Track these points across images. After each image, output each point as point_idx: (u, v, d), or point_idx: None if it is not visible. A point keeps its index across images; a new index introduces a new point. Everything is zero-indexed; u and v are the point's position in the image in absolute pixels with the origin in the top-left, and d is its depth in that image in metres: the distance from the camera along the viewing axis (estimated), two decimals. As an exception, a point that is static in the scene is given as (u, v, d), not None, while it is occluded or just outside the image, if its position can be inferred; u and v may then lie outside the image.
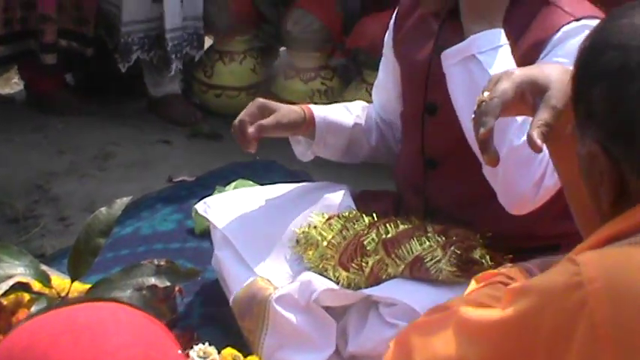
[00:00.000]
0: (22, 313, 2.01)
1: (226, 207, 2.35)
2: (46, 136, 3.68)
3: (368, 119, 2.41)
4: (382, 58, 2.41)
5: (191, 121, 3.78)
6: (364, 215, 2.24)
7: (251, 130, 2.20)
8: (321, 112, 2.33)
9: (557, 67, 1.54)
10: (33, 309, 1.91)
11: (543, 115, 1.46)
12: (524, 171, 1.91)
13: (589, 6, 2.07)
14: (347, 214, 2.26)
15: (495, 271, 1.54)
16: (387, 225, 2.16)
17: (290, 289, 2.15)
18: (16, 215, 3.13)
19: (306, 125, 2.30)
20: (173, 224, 2.96)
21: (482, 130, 1.48)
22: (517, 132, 1.88)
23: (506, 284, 1.44)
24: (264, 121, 2.21)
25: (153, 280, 2.05)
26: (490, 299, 1.39)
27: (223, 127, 3.73)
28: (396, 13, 2.31)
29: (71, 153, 3.53)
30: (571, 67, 1.37)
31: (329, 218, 2.25)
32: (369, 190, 2.47)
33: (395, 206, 2.35)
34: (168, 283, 2.07)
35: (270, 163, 3.31)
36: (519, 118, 1.83)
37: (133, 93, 3.96)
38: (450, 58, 2.00)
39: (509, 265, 1.59)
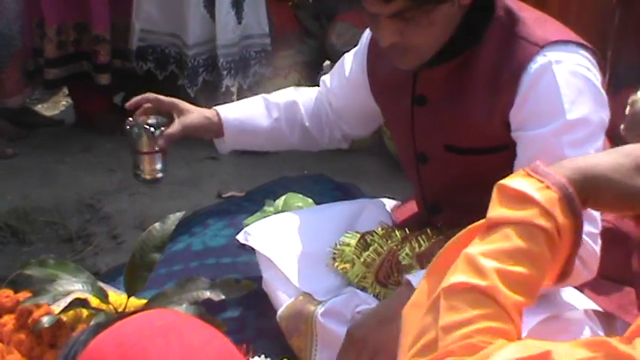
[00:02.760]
0: (81, 329, 2.02)
1: (266, 232, 2.37)
2: (96, 155, 3.72)
3: (290, 116, 2.42)
4: (349, 62, 2.33)
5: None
6: (397, 230, 2.24)
7: (161, 142, 2.25)
8: (233, 116, 2.37)
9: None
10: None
11: None
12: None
13: (553, 26, 2.04)
14: (379, 230, 2.26)
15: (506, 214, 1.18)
16: (419, 238, 2.17)
17: (334, 303, 2.16)
18: (69, 235, 3.17)
19: (216, 131, 2.36)
20: (224, 239, 2.96)
21: None
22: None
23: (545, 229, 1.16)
24: (171, 130, 2.26)
25: (208, 294, 2.07)
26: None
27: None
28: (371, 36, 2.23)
29: (121, 172, 3.56)
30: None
31: (362, 236, 2.25)
32: (408, 199, 2.46)
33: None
34: (222, 297, 2.09)
35: (318, 176, 3.31)
36: None
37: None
38: None
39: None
